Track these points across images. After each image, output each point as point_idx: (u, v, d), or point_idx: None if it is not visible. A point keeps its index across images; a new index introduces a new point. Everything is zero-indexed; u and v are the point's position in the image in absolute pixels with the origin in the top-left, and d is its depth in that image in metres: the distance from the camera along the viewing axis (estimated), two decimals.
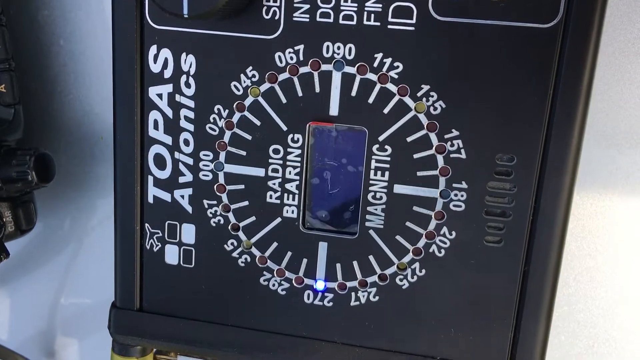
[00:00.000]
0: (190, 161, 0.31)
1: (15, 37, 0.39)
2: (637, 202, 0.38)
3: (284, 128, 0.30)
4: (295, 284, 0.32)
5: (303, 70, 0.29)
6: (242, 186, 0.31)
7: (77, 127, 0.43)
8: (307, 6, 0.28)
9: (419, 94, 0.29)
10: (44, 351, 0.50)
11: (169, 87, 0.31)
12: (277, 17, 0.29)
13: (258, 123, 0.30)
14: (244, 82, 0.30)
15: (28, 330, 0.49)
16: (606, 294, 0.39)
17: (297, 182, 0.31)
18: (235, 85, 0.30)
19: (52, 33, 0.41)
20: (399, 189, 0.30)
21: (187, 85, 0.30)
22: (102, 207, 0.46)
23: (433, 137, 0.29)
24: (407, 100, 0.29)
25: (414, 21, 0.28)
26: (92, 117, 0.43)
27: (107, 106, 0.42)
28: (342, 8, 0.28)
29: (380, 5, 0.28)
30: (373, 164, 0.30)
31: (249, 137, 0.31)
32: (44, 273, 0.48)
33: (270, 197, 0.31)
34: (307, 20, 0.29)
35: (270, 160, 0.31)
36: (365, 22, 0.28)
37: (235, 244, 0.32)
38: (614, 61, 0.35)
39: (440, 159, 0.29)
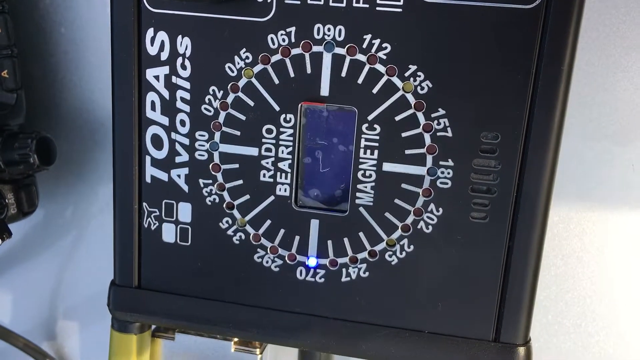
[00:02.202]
0: (186, 141, 0.32)
1: (17, 24, 0.41)
2: (624, 183, 0.38)
3: (277, 108, 0.31)
4: (288, 261, 0.33)
5: (295, 51, 0.30)
6: (237, 165, 0.32)
7: (78, 113, 0.44)
8: None
9: (406, 74, 0.29)
10: (46, 335, 0.51)
11: (165, 69, 0.32)
12: (269, 0, 0.30)
13: (252, 103, 0.31)
14: (238, 63, 0.31)
15: (31, 315, 0.50)
16: (593, 273, 0.40)
17: (290, 161, 0.32)
18: (229, 67, 0.31)
19: (53, 21, 0.42)
20: (387, 167, 0.31)
21: (183, 67, 0.31)
22: (104, 194, 0.47)
23: (420, 116, 0.30)
24: (395, 80, 0.30)
25: (401, 3, 0.29)
26: (93, 104, 0.44)
27: (108, 94, 0.43)
28: None
29: None
30: (363, 143, 0.31)
31: (243, 118, 0.32)
32: (46, 258, 0.49)
33: (264, 175, 0.32)
34: (299, 3, 0.30)
35: (263, 140, 0.32)
36: (354, 5, 0.29)
37: (230, 222, 0.33)
38: (599, 45, 0.36)
39: (427, 138, 0.30)
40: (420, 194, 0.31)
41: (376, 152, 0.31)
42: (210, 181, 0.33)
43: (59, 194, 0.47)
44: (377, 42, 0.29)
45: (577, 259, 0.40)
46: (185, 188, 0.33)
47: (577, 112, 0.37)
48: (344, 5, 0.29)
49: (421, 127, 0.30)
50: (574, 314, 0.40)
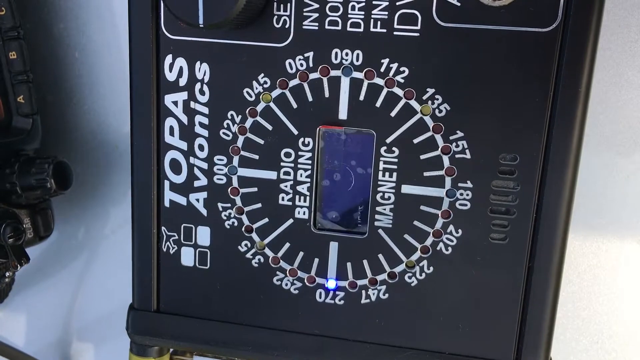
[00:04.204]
0: (204, 165, 0.33)
1: (32, 49, 0.41)
2: (638, 201, 0.39)
3: (295, 132, 0.31)
4: (307, 283, 0.33)
5: (313, 76, 0.30)
6: (255, 189, 0.32)
7: (92, 136, 0.44)
8: (316, 15, 0.30)
9: (424, 97, 0.30)
10: (60, 357, 0.51)
11: (184, 95, 0.32)
12: (287, 26, 0.30)
13: (270, 128, 0.31)
14: (256, 88, 0.31)
15: (44, 337, 0.50)
16: (609, 290, 0.40)
17: (308, 184, 0.32)
18: (247, 92, 0.31)
19: (67, 45, 0.43)
20: (406, 189, 0.31)
21: (202, 92, 0.32)
22: (116, 215, 0.47)
23: (439, 138, 0.30)
24: (413, 103, 0.30)
25: (418, 27, 0.29)
26: (107, 127, 0.44)
27: (121, 116, 0.44)
28: (349, 16, 0.29)
29: (386, 13, 0.29)
30: (381, 165, 0.31)
31: (262, 142, 0.32)
32: (59, 280, 0.49)
33: (283, 199, 0.32)
34: (316, 28, 0.30)
35: (282, 164, 0.32)
36: (372, 29, 0.29)
37: (249, 245, 0.33)
38: (612, 64, 0.36)
39: (446, 160, 0.30)
40: (440, 215, 0.31)
41: (395, 174, 0.31)
42: (229, 205, 0.33)
43: (72, 215, 0.47)
44: (394, 66, 0.30)
45: (593, 275, 0.40)
46: (204, 212, 0.33)
47: (591, 130, 0.37)
48: (361, 30, 0.29)
49: (439, 149, 0.30)
50: (591, 331, 0.40)
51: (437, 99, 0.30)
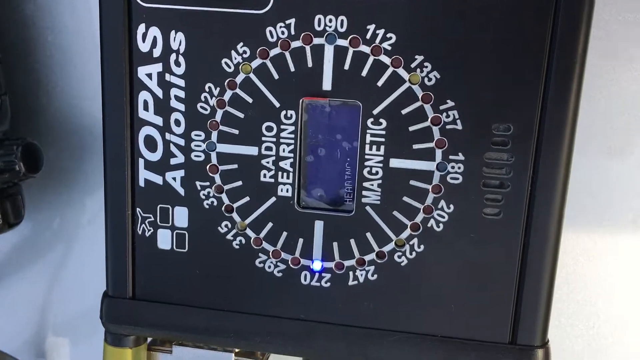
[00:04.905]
0: (181, 142, 0.31)
1: (3, 29, 0.39)
2: (633, 181, 0.38)
3: (277, 104, 0.30)
4: (291, 265, 0.31)
5: (295, 44, 0.29)
6: (235, 166, 0.31)
7: (65, 120, 0.42)
8: None
9: (412, 65, 0.28)
10: (35, 352, 0.49)
11: (158, 67, 0.30)
12: None
13: (250, 100, 0.30)
14: (235, 58, 0.29)
15: (18, 332, 0.49)
16: (604, 273, 0.39)
17: (292, 160, 0.30)
18: (226, 63, 0.30)
19: (38, 26, 0.41)
20: (394, 163, 0.29)
21: (177, 63, 0.30)
22: (92, 204, 0.45)
23: (428, 108, 0.29)
24: (401, 71, 0.28)
25: None
26: (81, 111, 0.42)
27: (96, 101, 0.42)
28: None
29: None
30: (368, 139, 0.29)
31: (242, 115, 0.30)
32: (34, 273, 0.47)
33: (264, 176, 0.31)
34: None
35: (263, 138, 0.30)
36: None
37: (230, 225, 0.31)
38: (604, 34, 0.35)
39: (436, 131, 0.29)
40: (430, 190, 0.29)
41: (382, 147, 0.29)
42: (208, 183, 0.31)
43: (45, 203, 0.45)
44: (381, 32, 0.28)
45: (588, 258, 0.38)
46: (181, 191, 0.31)
47: (583, 104, 0.36)
48: None
49: (429, 120, 0.29)
50: (586, 314, 0.39)
51: (426, 67, 0.28)
